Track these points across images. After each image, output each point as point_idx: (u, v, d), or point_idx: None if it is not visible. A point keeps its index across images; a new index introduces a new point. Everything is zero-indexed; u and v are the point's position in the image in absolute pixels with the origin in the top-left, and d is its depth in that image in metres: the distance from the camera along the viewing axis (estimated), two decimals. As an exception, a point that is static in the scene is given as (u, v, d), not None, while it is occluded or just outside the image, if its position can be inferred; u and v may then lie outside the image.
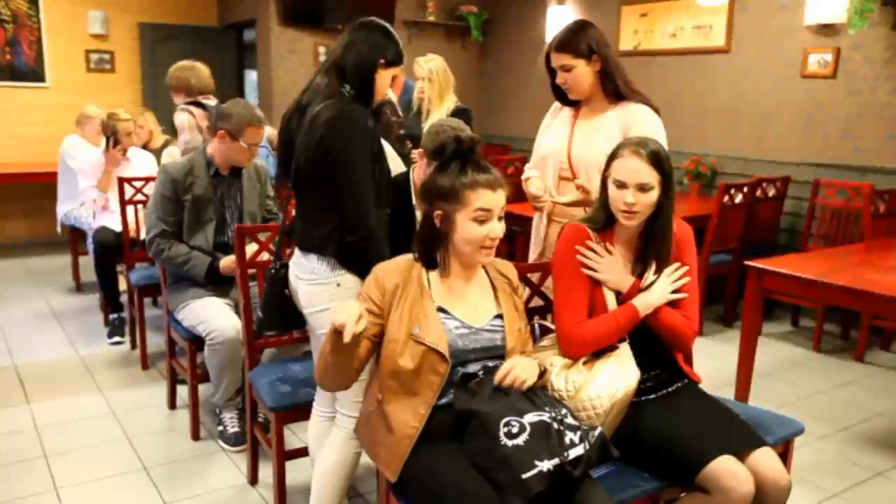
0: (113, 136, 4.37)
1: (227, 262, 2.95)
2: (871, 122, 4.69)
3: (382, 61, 2.13)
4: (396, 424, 1.79)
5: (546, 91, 2.62)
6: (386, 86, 2.20)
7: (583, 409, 1.90)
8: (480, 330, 1.86)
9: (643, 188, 1.96)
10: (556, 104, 2.66)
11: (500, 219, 1.84)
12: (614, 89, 2.45)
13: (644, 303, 2.00)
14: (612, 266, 2.04)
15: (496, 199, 1.81)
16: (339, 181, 2.04)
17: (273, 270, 2.31)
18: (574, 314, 2.01)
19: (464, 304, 1.87)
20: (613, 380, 1.91)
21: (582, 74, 2.43)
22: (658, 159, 1.97)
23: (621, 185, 1.99)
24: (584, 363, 1.97)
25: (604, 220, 2.08)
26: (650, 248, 2.05)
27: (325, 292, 2.13)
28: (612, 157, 2.04)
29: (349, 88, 2.10)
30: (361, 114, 2.07)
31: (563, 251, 2.08)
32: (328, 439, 2.23)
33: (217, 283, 2.98)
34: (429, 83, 4.06)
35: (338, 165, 2.04)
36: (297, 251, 2.23)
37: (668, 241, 2.05)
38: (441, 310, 1.83)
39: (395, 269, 1.86)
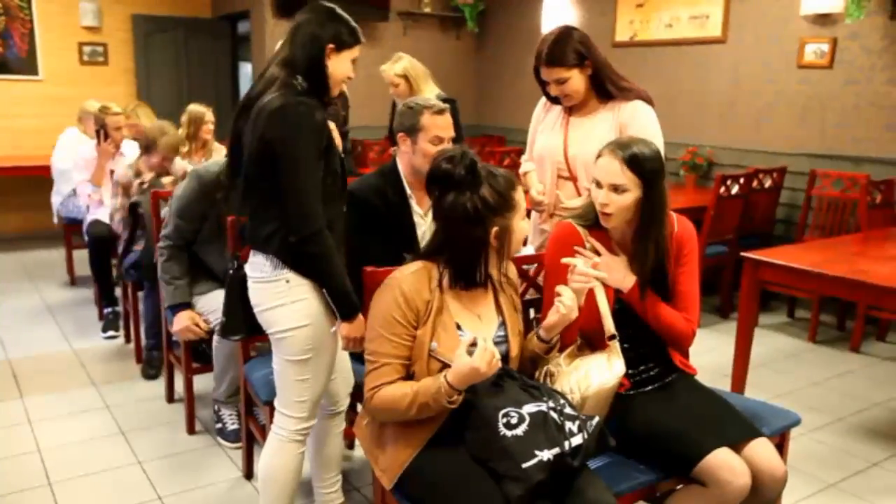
0: (103, 130, 4.34)
1: (181, 321, 2.84)
2: (867, 112, 4.68)
3: (332, 46, 1.99)
4: (399, 440, 1.78)
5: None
6: (344, 72, 2.05)
7: None
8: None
9: (616, 189, 1.94)
10: (544, 100, 2.66)
11: None
12: (605, 91, 2.46)
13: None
14: (610, 265, 2.02)
15: None
16: (282, 178, 1.93)
17: (231, 271, 2.20)
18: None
19: (473, 315, 1.84)
20: (588, 375, 1.90)
21: (577, 83, 2.44)
22: (636, 162, 1.92)
23: (598, 185, 1.98)
24: (567, 356, 1.96)
25: (594, 217, 2.05)
26: (639, 250, 2.01)
27: (273, 289, 2.01)
28: (597, 156, 2.02)
29: (301, 80, 1.98)
30: (307, 107, 1.94)
31: (552, 251, 2.07)
32: (266, 442, 2.16)
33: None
34: (405, 83, 3.98)
35: (280, 161, 1.91)
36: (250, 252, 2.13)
37: (653, 242, 1.99)
38: (457, 325, 1.79)
39: (417, 283, 1.77)
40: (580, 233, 2.06)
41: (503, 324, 1.88)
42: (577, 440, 1.65)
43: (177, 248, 2.89)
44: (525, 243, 2.00)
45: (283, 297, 2.01)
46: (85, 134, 5.03)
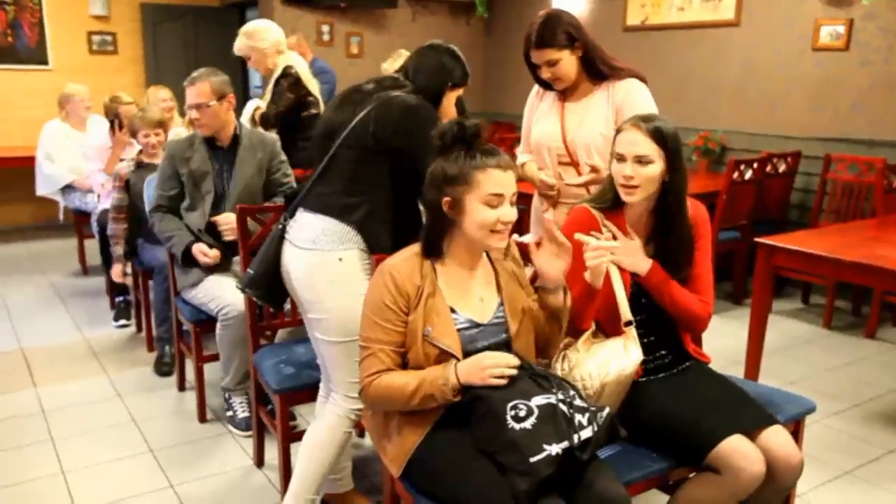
0: (116, 120, 4.33)
1: (199, 249, 2.92)
2: (883, 95, 4.60)
3: (450, 84, 2.21)
4: (405, 427, 1.76)
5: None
6: (451, 108, 2.25)
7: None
8: (487, 326, 1.80)
9: (641, 160, 1.91)
10: (536, 87, 2.65)
11: (511, 204, 1.74)
12: (597, 71, 2.44)
13: (587, 274, 1.91)
14: (626, 248, 1.99)
15: (507, 181, 1.72)
16: (416, 168, 2.03)
17: (282, 226, 2.22)
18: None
19: (470, 298, 1.80)
20: (607, 361, 1.88)
21: (568, 65, 2.42)
22: (661, 134, 1.91)
23: (620, 159, 1.95)
24: (584, 342, 1.94)
25: (612, 199, 2.03)
26: (662, 226, 2.00)
27: (325, 266, 2.08)
28: (617, 132, 2.00)
29: (420, 98, 2.16)
30: (434, 112, 2.15)
31: (567, 235, 2.03)
32: (321, 416, 2.21)
33: (193, 265, 2.95)
34: None
35: (407, 151, 2.06)
36: (299, 218, 2.17)
37: (680, 218, 2.00)
38: (450, 308, 1.77)
39: (408, 269, 1.75)
40: (596, 216, 2.03)
41: (502, 304, 1.84)
42: (586, 433, 1.61)
43: (164, 211, 3.05)
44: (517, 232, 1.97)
45: (333, 274, 2.07)
46: (66, 122, 5.07)
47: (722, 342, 3.93)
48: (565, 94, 2.52)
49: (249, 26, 4.00)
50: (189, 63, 7.07)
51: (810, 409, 2.20)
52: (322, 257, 2.09)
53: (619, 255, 1.96)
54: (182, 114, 4.52)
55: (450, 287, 1.78)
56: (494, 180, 1.70)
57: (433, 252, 1.80)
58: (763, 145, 5.15)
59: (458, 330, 1.75)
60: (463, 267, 1.81)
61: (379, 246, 2.09)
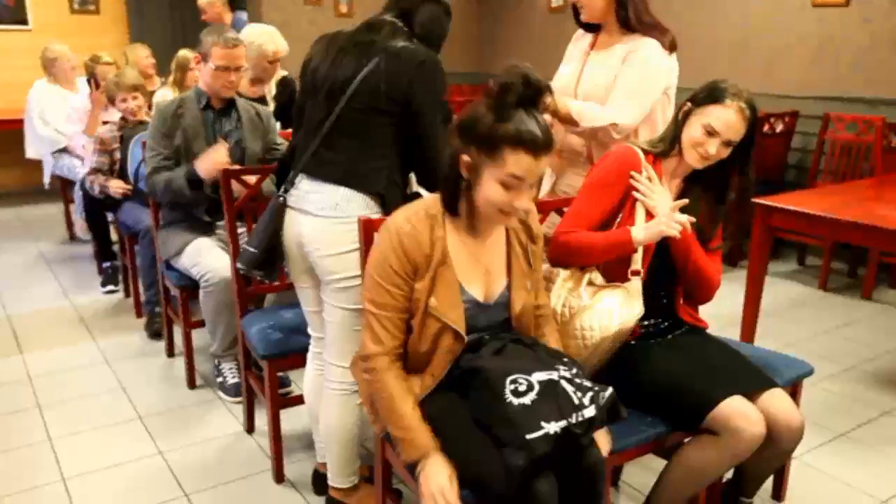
0: (93, 79, 4.23)
1: (202, 161, 2.76)
2: (884, 52, 4.51)
3: (443, 38, 2.12)
4: None
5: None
6: None
7: (571, 336, 1.85)
8: (491, 307, 1.72)
9: (728, 144, 1.90)
10: (579, 31, 2.51)
11: (531, 185, 1.58)
12: (626, 19, 2.29)
13: (640, 232, 1.88)
14: (662, 197, 1.94)
15: (534, 169, 1.55)
16: (424, 129, 1.94)
17: (282, 199, 2.07)
18: (577, 224, 1.94)
19: (478, 271, 1.70)
20: (611, 313, 1.83)
21: None
22: (752, 127, 1.92)
23: (711, 133, 1.88)
24: (588, 286, 1.89)
25: (667, 149, 1.98)
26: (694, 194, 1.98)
27: (351, 230, 1.90)
28: (711, 99, 1.91)
29: (416, 42, 2.01)
30: (442, 67, 2.00)
31: (607, 167, 1.98)
32: (324, 401, 2.12)
33: (200, 191, 2.82)
34: None
35: (423, 112, 1.93)
36: (306, 186, 2.02)
37: (724, 194, 2.01)
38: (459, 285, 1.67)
39: (417, 234, 1.62)
40: (640, 158, 1.97)
41: (509, 287, 1.74)
42: (588, 413, 1.53)
43: (159, 171, 2.88)
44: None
45: (358, 241, 1.89)
46: (56, 83, 4.93)
47: (717, 304, 3.86)
48: (596, 40, 2.41)
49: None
50: (174, 23, 6.89)
51: (807, 371, 2.17)
52: (349, 224, 1.93)
53: (652, 201, 1.92)
54: (160, 74, 4.39)
55: (458, 255, 1.67)
56: (521, 164, 1.53)
57: (450, 208, 1.66)
58: (761, 105, 4.96)
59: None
60: (474, 233, 1.70)
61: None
